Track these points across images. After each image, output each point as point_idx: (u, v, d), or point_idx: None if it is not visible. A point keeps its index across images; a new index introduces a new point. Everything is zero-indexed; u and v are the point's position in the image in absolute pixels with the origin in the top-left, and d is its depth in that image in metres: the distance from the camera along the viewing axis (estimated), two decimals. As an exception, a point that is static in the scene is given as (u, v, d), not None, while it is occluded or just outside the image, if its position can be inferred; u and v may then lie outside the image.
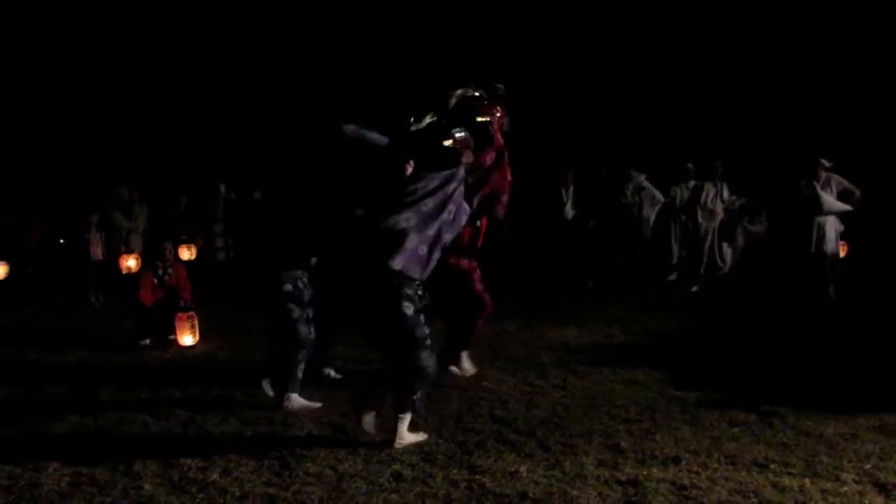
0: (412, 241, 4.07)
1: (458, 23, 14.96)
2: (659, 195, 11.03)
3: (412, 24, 15.01)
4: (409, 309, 4.05)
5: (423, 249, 4.11)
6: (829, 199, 8.87)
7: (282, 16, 15.75)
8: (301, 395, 4.95)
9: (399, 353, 4.13)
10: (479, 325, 5.69)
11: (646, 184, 11.12)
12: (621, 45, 14.66)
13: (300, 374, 4.95)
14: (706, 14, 14.25)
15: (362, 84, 14.63)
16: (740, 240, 10.59)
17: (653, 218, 11.13)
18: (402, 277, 4.05)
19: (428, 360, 4.11)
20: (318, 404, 4.91)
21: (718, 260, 10.34)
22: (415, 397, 4.17)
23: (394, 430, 4.15)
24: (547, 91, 13.53)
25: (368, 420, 4.20)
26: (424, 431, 4.38)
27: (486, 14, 14.89)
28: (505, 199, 5.40)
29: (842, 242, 9.25)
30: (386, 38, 14.91)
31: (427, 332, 4.13)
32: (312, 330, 4.98)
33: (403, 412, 4.16)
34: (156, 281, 7.25)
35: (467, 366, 5.74)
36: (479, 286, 5.56)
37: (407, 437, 4.18)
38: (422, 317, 4.13)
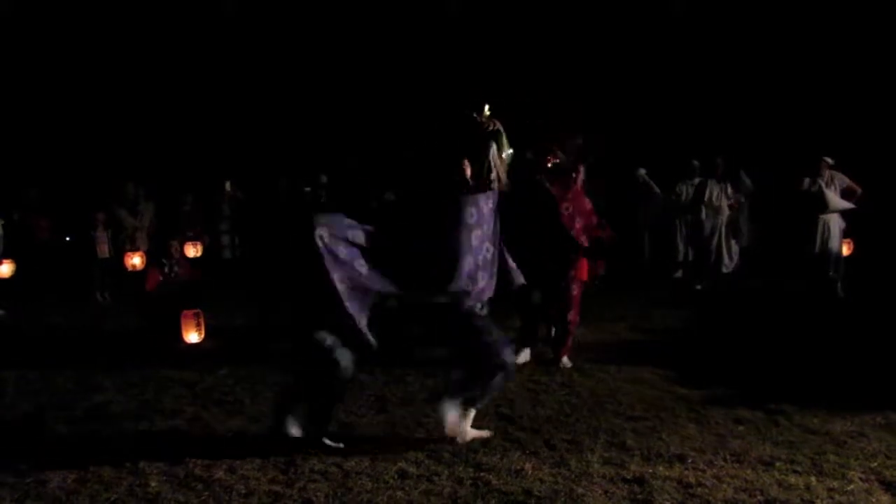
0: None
1: (459, 24, 14.94)
2: (656, 189, 11.07)
3: (412, 25, 14.99)
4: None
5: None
6: (834, 198, 8.85)
7: (285, 14, 15.76)
8: None
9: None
10: (569, 340, 6.05)
11: (644, 178, 11.17)
12: (625, 42, 14.63)
13: None
14: (712, 12, 14.22)
15: (363, 84, 14.66)
16: (744, 229, 10.61)
17: (653, 212, 11.12)
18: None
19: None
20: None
21: (726, 258, 10.32)
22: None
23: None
24: (551, 89, 13.49)
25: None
26: (429, 429, 4.40)
27: (487, 13, 14.86)
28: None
29: (846, 240, 9.22)
30: (386, 37, 14.90)
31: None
32: None
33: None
34: (161, 279, 7.25)
35: (565, 363, 6.02)
36: (575, 304, 6.02)
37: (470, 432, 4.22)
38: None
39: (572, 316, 6.03)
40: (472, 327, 4.12)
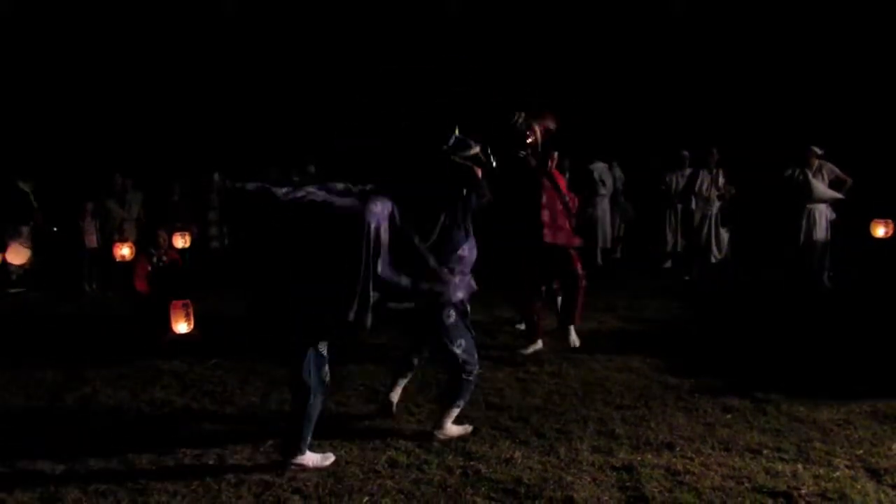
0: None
1: (459, 23, 14.88)
2: (609, 184, 11.27)
3: (412, 24, 14.92)
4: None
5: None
6: (821, 187, 8.87)
7: (276, 6, 15.65)
8: None
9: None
10: (580, 300, 6.09)
11: (601, 171, 11.37)
12: (617, 35, 14.61)
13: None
14: (702, 5, 14.22)
15: (356, 78, 14.61)
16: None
17: (603, 206, 11.32)
18: None
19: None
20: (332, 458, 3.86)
21: (714, 248, 10.35)
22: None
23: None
24: (544, 82, 13.49)
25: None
26: (419, 418, 4.41)
27: (487, 13, 14.82)
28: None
29: (886, 221, 9.14)
30: (384, 36, 14.83)
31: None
32: None
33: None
34: (150, 269, 7.20)
35: (573, 339, 6.10)
36: (577, 262, 6.01)
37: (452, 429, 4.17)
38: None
39: (579, 271, 5.97)
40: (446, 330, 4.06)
